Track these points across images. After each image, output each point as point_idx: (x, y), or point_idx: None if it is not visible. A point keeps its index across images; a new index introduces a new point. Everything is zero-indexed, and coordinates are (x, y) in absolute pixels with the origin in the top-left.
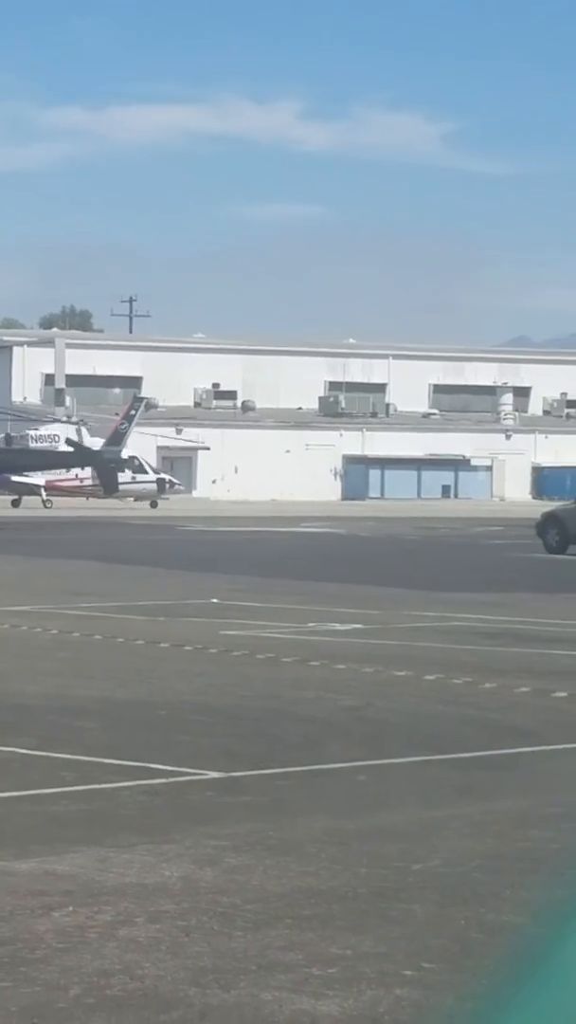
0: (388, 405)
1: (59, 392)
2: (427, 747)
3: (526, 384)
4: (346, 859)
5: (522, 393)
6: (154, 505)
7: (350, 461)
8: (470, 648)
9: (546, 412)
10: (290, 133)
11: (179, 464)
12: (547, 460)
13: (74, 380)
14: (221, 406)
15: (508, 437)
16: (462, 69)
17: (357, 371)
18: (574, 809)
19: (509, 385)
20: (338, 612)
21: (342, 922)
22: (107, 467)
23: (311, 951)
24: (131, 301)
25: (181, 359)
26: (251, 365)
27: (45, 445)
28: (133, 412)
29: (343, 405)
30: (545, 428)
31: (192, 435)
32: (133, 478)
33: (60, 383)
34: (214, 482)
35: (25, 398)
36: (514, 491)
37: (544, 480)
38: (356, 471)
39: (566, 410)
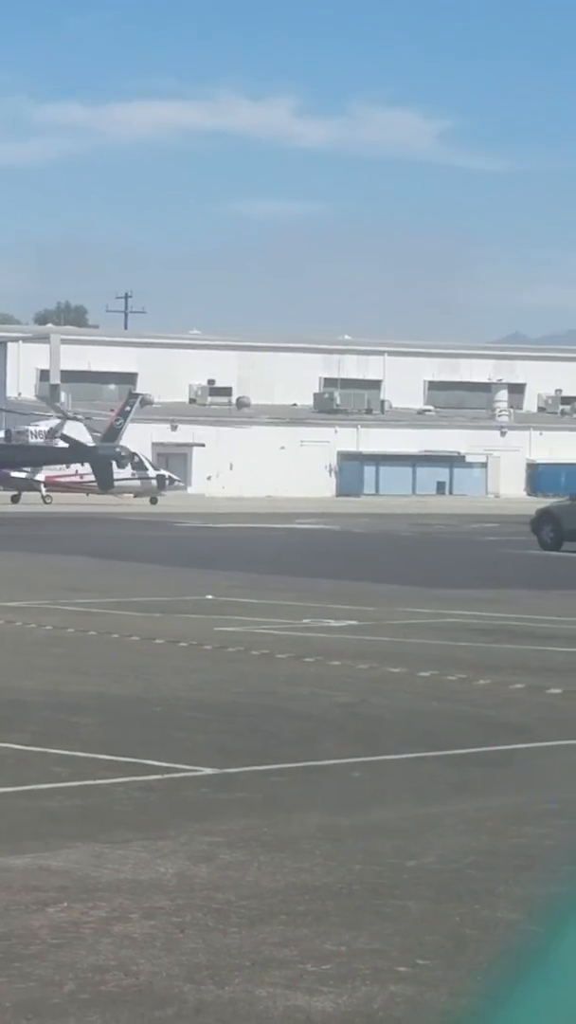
0: (383, 401)
1: (54, 388)
2: (422, 743)
3: (521, 381)
4: (341, 855)
5: (517, 390)
6: (154, 501)
7: (345, 457)
8: (465, 645)
9: (541, 409)
10: (286, 130)
11: (174, 460)
12: (542, 457)
13: (69, 376)
14: (216, 403)
15: (503, 434)
16: (459, 66)
17: (352, 367)
18: (568, 806)
19: (504, 382)
20: (333, 608)
21: (336, 918)
22: (102, 463)
23: (306, 947)
24: (126, 297)
25: (176, 355)
26: (246, 361)
27: (44, 441)
28: (128, 408)
29: (338, 401)
30: (540, 425)
31: (187, 432)
32: (133, 474)
33: (55, 379)
34: (209, 479)
35: (20, 394)
36: (509, 488)
37: (539, 477)
38: (351, 467)
39: (561, 407)
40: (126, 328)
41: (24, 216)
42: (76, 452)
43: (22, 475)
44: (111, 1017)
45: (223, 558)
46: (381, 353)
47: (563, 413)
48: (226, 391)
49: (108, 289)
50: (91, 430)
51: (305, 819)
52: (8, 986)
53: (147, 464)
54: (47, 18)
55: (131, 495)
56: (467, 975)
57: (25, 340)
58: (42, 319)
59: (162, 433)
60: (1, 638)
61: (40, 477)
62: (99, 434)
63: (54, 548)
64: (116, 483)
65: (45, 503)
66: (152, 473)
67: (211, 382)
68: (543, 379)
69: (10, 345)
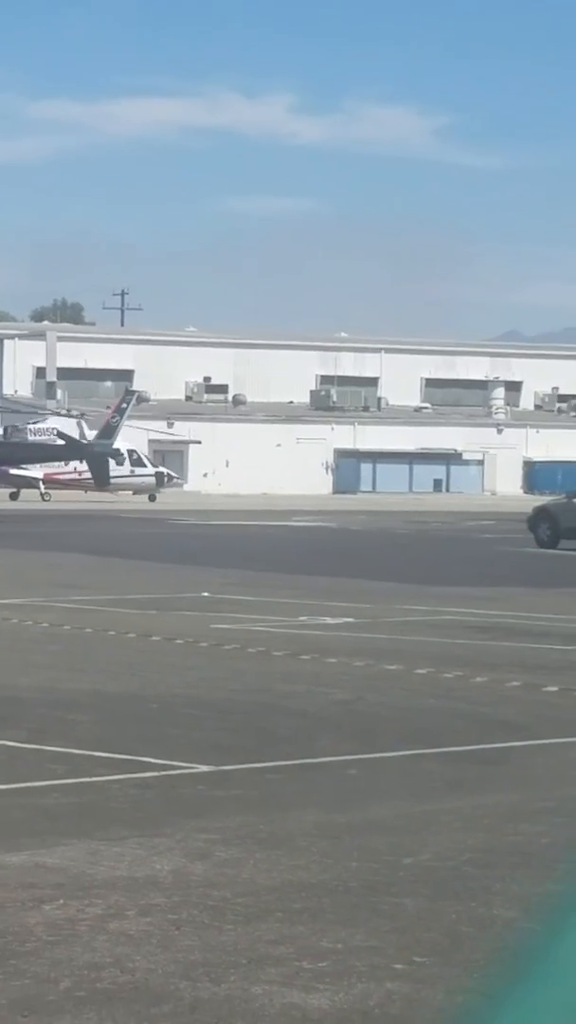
0: (379, 399)
1: (50, 385)
2: (418, 741)
3: (517, 378)
4: (337, 853)
5: (514, 387)
6: (153, 499)
7: (341, 455)
8: (461, 642)
9: (537, 407)
10: (282, 127)
11: (170, 457)
12: (538, 454)
13: (65, 373)
14: (212, 400)
15: (500, 431)
16: (455, 63)
17: (348, 365)
18: (564, 803)
19: (501, 379)
20: (329, 606)
21: (333, 916)
22: (98, 460)
23: (301, 945)
24: (123, 294)
25: (173, 353)
26: (242, 359)
27: (44, 438)
28: (124, 405)
29: (334, 399)
30: (536, 423)
31: (183, 429)
32: (132, 471)
33: (51, 376)
34: (205, 476)
35: (16, 391)
36: (505, 485)
37: (535, 474)
38: (347, 465)
39: (557, 404)
40: (122, 325)
41: (19, 213)
42: (72, 449)
43: (21, 472)
44: (107, 1014)
45: (219, 555)
46: (378, 350)
47: (560, 411)
48: (222, 388)
49: (104, 286)
50: (87, 426)
51: (301, 816)
52: (4, 983)
53: (146, 461)
54: (41, 14)
55: (130, 492)
56: (463, 972)
57: (21, 337)
58: (38, 316)
59: (158, 430)
60: None
61: (38, 474)
62: (94, 431)
63: (51, 545)
64: (115, 480)
65: (44, 500)
66: (151, 470)
67: (207, 379)
68: (540, 377)
69: (6, 342)
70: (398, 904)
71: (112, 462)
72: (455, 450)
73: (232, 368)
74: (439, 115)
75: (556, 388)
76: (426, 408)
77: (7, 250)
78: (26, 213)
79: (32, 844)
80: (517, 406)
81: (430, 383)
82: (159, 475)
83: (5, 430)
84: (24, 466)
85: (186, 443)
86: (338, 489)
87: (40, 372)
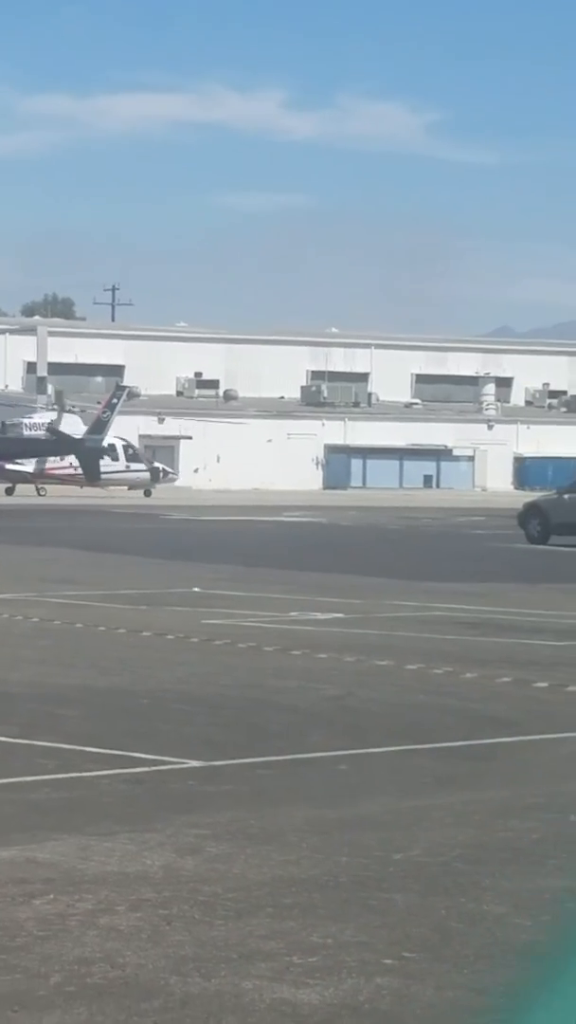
0: (370, 395)
1: (41, 380)
2: (408, 737)
3: (508, 375)
4: (327, 848)
5: (504, 384)
6: (148, 494)
7: (332, 451)
8: (451, 638)
9: (528, 403)
10: (274, 123)
11: (161, 453)
12: (529, 451)
13: (56, 368)
14: (203, 395)
15: (490, 427)
16: (447, 60)
17: (339, 361)
18: (554, 799)
19: (491, 375)
20: (320, 601)
21: (323, 911)
22: (89, 455)
23: (292, 940)
24: (114, 290)
25: (163, 348)
26: (233, 354)
27: (39, 434)
28: (115, 401)
29: (325, 395)
30: (527, 419)
31: (174, 424)
32: (127, 467)
33: (42, 371)
34: (196, 471)
35: (7, 386)
36: (496, 481)
37: (526, 470)
38: (338, 460)
39: (548, 401)
40: (113, 320)
41: (11, 208)
42: (63, 445)
43: (17, 467)
44: (97, 1009)
45: (210, 551)
46: (368, 346)
47: (550, 407)
48: (213, 384)
49: (95, 281)
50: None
51: (292, 812)
52: None
53: (141, 457)
54: (35, 9)
55: (125, 488)
56: (453, 968)
57: (12, 332)
58: (29, 311)
59: (149, 426)
60: None
61: (34, 469)
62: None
63: (43, 540)
64: (110, 476)
65: (39, 495)
66: (146, 466)
67: (198, 375)
68: (530, 373)
69: None
70: (388, 899)
71: (108, 457)
72: (445, 446)
73: (223, 363)
74: (431, 111)
75: (547, 384)
76: (417, 404)
77: None
78: (17, 207)
79: (22, 839)
80: (508, 402)
81: (421, 379)
82: (154, 470)
83: (2, 425)
84: (19, 461)
85: (177, 438)
86: (328, 485)
87: (31, 367)
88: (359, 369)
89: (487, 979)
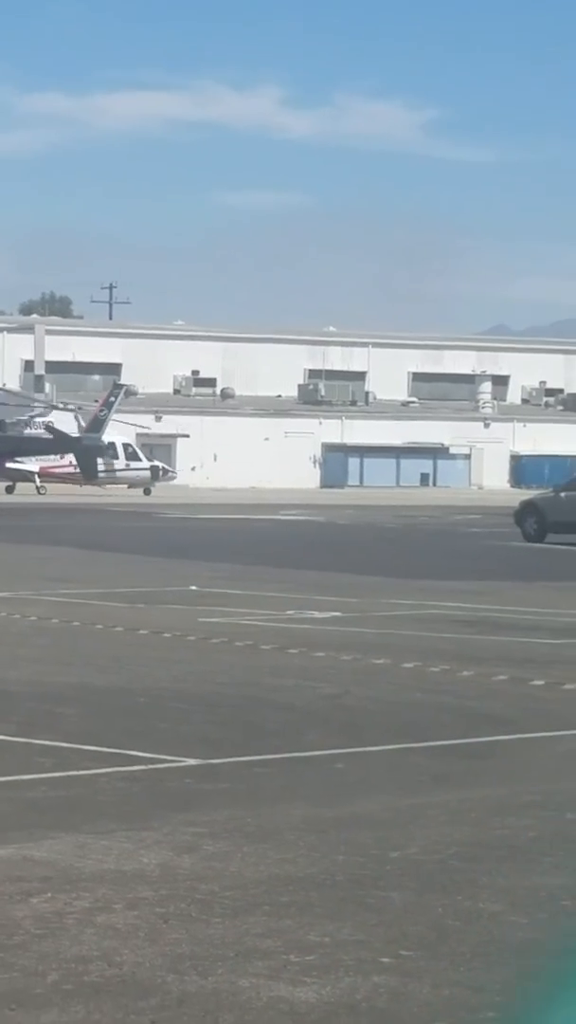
0: (367, 393)
1: (39, 378)
2: (405, 735)
3: (505, 373)
4: (324, 846)
5: (501, 382)
6: (148, 492)
7: (329, 449)
8: (448, 636)
9: (525, 401)
10: (271, 121)
11: (158, 451)
12: (525, 449)
13: (53, 366)
14: (200, 393)
15: (487, 426)
16: (443, 58)
17: (337, 359)
18: (551, 797)
19: (488, 374)
20: (317, 600)
21: (320, 909)
22: (86, 454)
23: (289, 938)
24: (111, 288)
25: (161, 346)
26: (231, 352)
27: (36, 432)
28: (113, 399)
29: (322, 393)
30: (524, 417)
31: (171, 422)
32: (127, 465)
33: (40, 369)
34: (193, 469)
35: (4, 384)
36: (493, 479)
37: (522, 468)
38: (335, 459)
39: (544, 399)
40: (111, 319)
41: (8, 206)
42: (61, 443)
43: (17, 466)
44: (94, 1007)
45: (207, 549)
46: (365, 345)
47: (547, 405)
48: (210, 382)
49: (93, 280)
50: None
51: (289, 810)
52: None
53: (141, 455)
54: (31, 7)
55: (125, 486)
56: (450, 966)
57: (9, 331)
58: (26, 310)
59: (146, 424)
60: None
61: (34, 468)
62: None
63: (41, 538)
64: (110, 474)
65: (40, 494)
66: (146, 464)
67: (195, 373)
68: (527, 371)
69: None
70: (385, 898)
71: (120, 456)
72: (442, 444)
73: (220, 362)
74: (427, 109)
75: (543, 382)
76: (413, 402)
77: None
78: (15, 206)
79: (20, 837)
80: (504, 400)
81: (418, 377)
82: (154, 469)
83: (2, 423)
84: (19, 459)
85: (174, 437)
86: (326, 483)
87: (28, 365)
88: (356, 368)
89: (484, 977)
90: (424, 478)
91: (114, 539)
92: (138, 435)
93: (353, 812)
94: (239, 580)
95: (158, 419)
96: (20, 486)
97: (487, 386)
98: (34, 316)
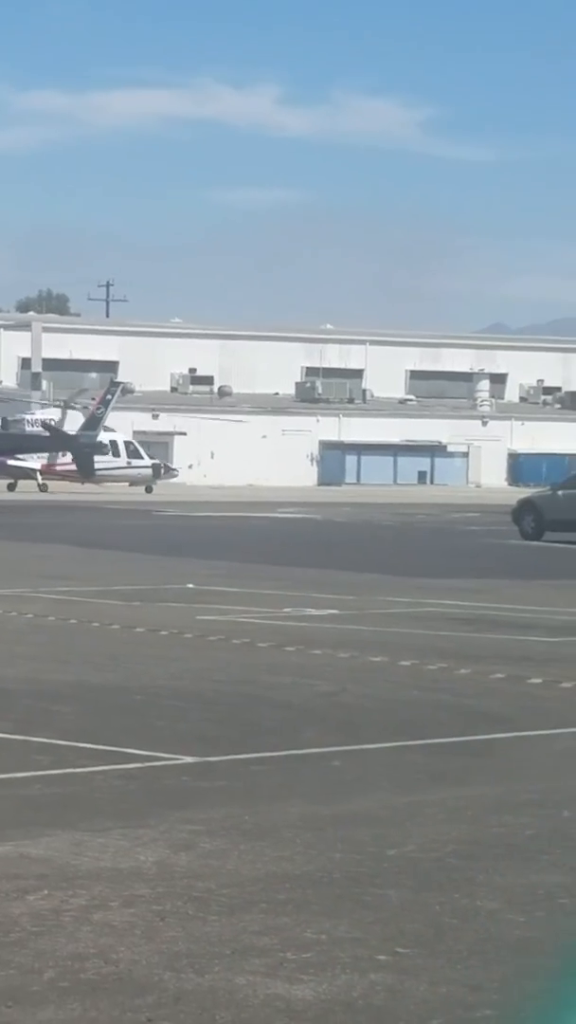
0: (365, 391)
1: (35, 376)
2: (402, 733)
3: (503, 371)
4: (321, 844)
5: (498, 380)
6: (149, 490)
7: (326, 447)
8: (445, 634)
9: (522, 399)
10: (268, 118)
11: (155, 449)
12: (523, 447)
13: (50, 364)
14: (198, 391)
15: (484, 424)
16: (441, 56)
17: (334, 357)
18: (548, 795)
19: (486, 372)
20: (314, 598)
21: (317, 907)
22: (83, 451)
23: (286, 936)
24: (108, 285)
25: (158, 344)
26: (228, 350)
27: (37, 430)
28: (110, 397)
29: (320, 391)
30: (521, 415)
31: (168, 421)
32: (129, 463)
33: (36, 367)
34: (191, 467)
35: (1, 382)
36: (490, 478)
37: (520, 467)
38: (332, 457)
39: (542, 397)
40: (108, 316)
41: (5, 204)
42: (58, 441)
43: (19, 463)
44: (91, 1005)
45: (204, 547)
46: (363, 342)
47: (544, 403)
48: (208, 380)
49: (90, 277)
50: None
51: (286, 808)
52: None
53: (142, 453)
54: (28, 4)
55: (127, 484)
56: (447, 963)
57: (6, 328)
58: (24, 307)
59: (143, 421)
60: None
61: (36, 465)
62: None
63: (35, 536)
64: (111, 472)
65: (41, 491)
66: (147, 462)
67: (193, 371)
68: (525, 369)
69: None
70: (382, 895)
71: (109, 453)
72: (440, 442)
73: (218, 360)
74: (424, 107)
75: (541, 381)
76: (411, 400)
77: None
78: (11, 203)
79: (16, 835)
80: (502, 398)
81: (415, 375)
82: (155, 467)
83: (3, 421)
84: (20, 456)
85: (171, 434)
86: (323, 481)
87: (25, 363)
88: (354, 365)
89: (481, 975)
90: (422, 476)
91: (111, 537)
92: (135, 433)
93: (350, 810)
94: (236, 578)
95: (155, 417)
96: (22, 483)
97: (485, 384)
98: (31, 313)
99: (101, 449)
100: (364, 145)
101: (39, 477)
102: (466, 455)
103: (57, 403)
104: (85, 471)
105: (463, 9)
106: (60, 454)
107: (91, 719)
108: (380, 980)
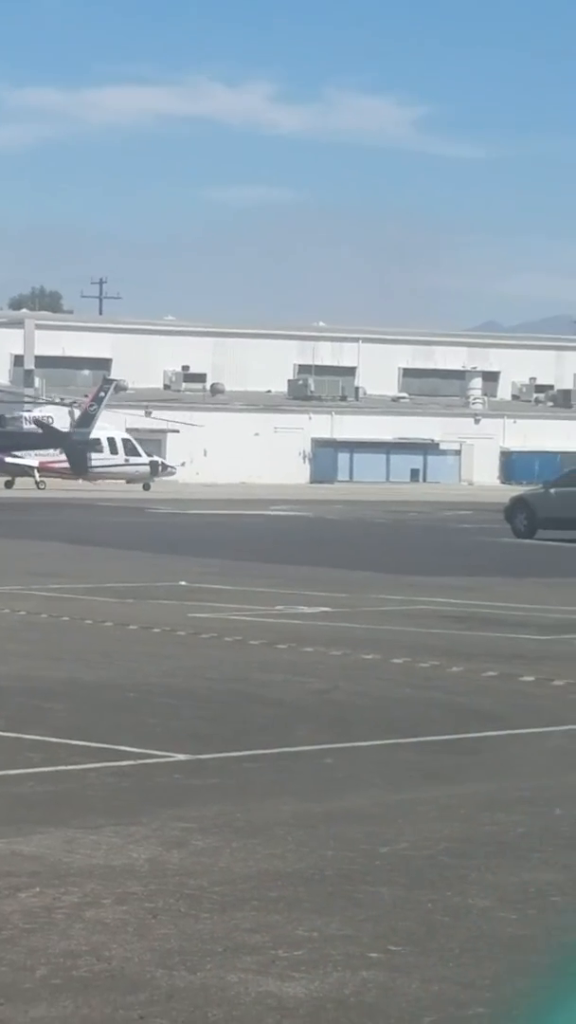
0: (357, 388)
1: (28, 373)
2: (394, 730)
3: (495, 369)
4: (313, 842)
5: (491, 378)
6: (147, 488)
7: (319, 444)
8: (437, 632)
9: (515, 397)
10: (262, 116)
11: (148, 446)
12: (516, 445)
13: (43, 361)
14: (190, 388)
15: (477, 421)
16: (435, 54)
17: (327, 354)
18: (540, 793)
19: (478, 370)
20: (306, 595)
21: (309, 904)
22: (76, 449)
23: (278, 933)
24: (101, 283)
25: (151, 341)
26: (221, 348)
27: (31, 427)
28: (102, 394)
29: (312, 388)
30: (514, 413)
31: (161, 418)
32: (126, 460)
33: (29, 364)
34: (183, 464)
35: None
36: (483, 475)
37: (512, 465)
38: (325, 454)
39: (535, 395)
40: (100, 314)
41: None
42: (51, 438)
43: (16, 460)
44: (83, 1002)
45: (197, 544)
46: (356, 340)
47: (537, 401)
48: (200, 377)
49: (83, 274)
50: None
51: (278, 805)
52: None
53: (140, 450)
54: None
55: (124, 481)
56: (439, 961)
57: None
58: (16, 304)
59: (136, 419)
60: None
61: (34, 463)
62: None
63: (28, 533)
64: (109, 469)
65: (39, 488)
66: (145, 460)
67: (185, 368)
68: (517, 367)
69: None
70: (374, 893)
71: (107, 451)
72: (432, 440)
73: (210, 357)
74: (419, 105)
75: (534, 378)
76: (404, 398)
77: None
78: (5, 200)
79: (8, 832)
80: (495, 396)
81: (408, 373)
82: (153, 464)
83: (1, 419)
84: (18, 454)
85: (164, 432)
86: (315, 478)
87: (18, 360)
88: (346, 363)
89: (473, 972)
90: (414, 474)
91: (104, 534)
92: (128, 430)
93: (342, 807)
94: (229, 575)
95: (148, 414)
96: (19, 481)
97: (477, 382)
98: (24, 311)
99: (95, 446)
100: (357, 143)
101: (36, 474)
102: (459, 453)
103: (50, 400)
104: (78, 468)
105: (458, 6)
106: (57, 451)
107: (84, 716)
108: (372, 978)
